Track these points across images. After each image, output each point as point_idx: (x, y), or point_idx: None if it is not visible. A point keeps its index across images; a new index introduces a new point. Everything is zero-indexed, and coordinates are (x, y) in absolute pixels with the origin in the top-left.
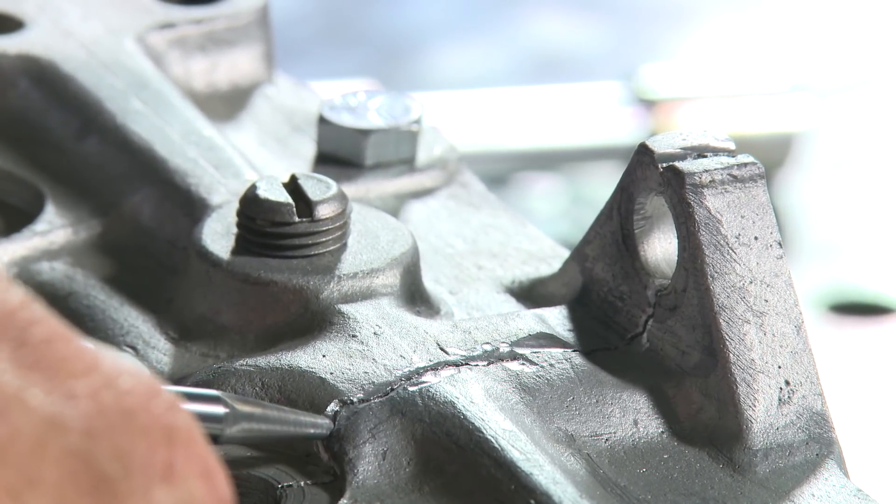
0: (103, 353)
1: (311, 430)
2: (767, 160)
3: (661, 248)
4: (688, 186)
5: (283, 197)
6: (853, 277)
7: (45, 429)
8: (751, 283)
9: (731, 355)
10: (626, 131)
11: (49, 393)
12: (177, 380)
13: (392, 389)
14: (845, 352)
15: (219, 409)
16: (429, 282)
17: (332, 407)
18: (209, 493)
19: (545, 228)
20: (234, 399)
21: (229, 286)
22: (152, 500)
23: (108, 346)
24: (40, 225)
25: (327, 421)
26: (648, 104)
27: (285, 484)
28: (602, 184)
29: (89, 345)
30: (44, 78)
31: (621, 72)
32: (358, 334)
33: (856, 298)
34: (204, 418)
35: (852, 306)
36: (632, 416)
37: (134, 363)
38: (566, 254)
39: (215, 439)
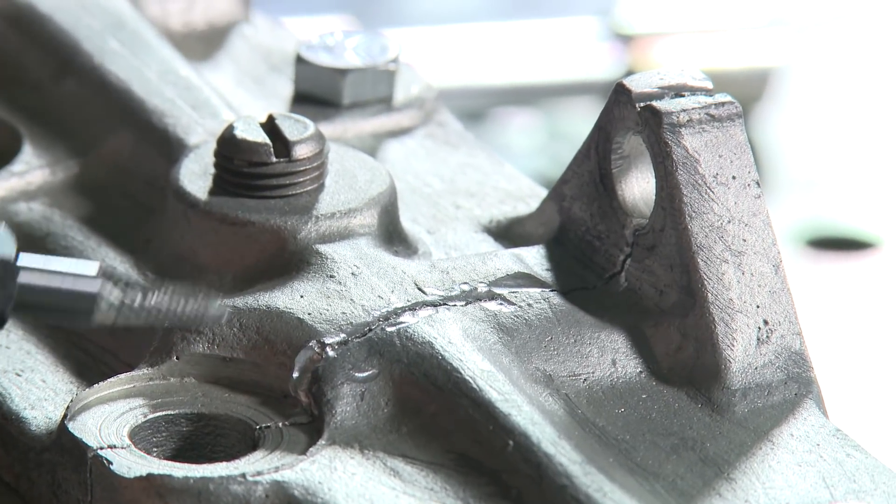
0: None
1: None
2: (744, 95)
3: (638, 187)
4: (665, 126)
5: (261, 137)
6: (830, 212)
7: None
8: (729, 222)
9: (709, 295)
10: (602, 66)
11: None
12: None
13: (370, 330)
14: (823, 287)
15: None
16: (406, 221)
17: (312, 346)
18: None
19: (523, 163)
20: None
21: (207, 226)
22: None
23: None
24: (18, 166)
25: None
26: (625, 39)
27: (263, 425)
28: (579, 119)
29: None
30: (21, 18)
31: (597, 7)
32: (336, 275)
33: (833, 233)
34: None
35: (830, 241)
36: (610, 356)
37: None
38: (544, 193)
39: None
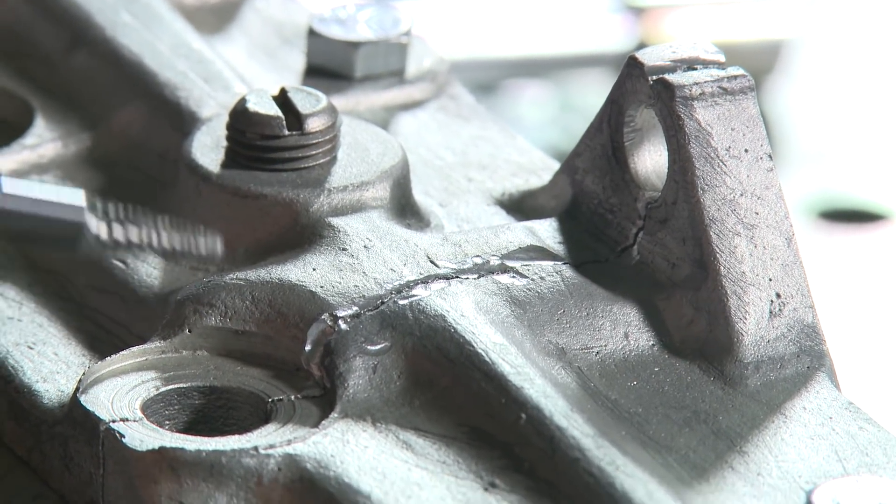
0: None
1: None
2: (756, 67)
3: (651, 160)
4: (678, 99)
5: (273, 110)
6: (843, 184)
7: None
8: (741, 195)
9: (721, 268)
10: (614, 38)
11: None
12: (166, 293)
13: (382, 303)
14: (835, 259)
15: None
16: (419, 194)
17: (324, 319)
18: None
19: (535, 135)
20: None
21: (219, 200)
22: None
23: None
24: (30, 139)
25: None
26: (637, 11)
27: (276, 398)
28: (591, 91)
29: None
30: None
31: None
32: (348, 247)
33: (845, 205)
34: None
35: (842, 213)
36: (622, 329)
37: None
38: (556, 166)
39: None
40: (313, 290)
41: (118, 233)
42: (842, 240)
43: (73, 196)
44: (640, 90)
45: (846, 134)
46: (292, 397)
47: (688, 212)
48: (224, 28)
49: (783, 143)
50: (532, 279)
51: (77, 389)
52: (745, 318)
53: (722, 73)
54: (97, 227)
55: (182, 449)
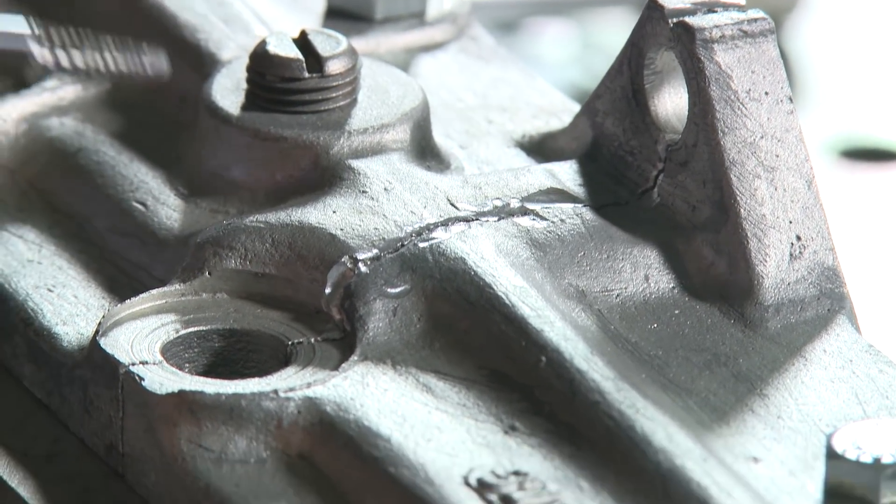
0: None
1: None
2: (776, 7)
3: (671, 103)
4: (698, 42)
5: (293, 52)
6: (864, 123)
7: None
8: (761, 138)
9: (741, 210)
10: None
11: None
12: (186, 236)
13: (402, 245)
14: (857, 199)
15: None
16: (439, 136)
17: (344, 262)
18: None
19: (556, 74)
20: None
21: (239, 142)
22: None
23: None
24: (50, 81)
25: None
26: None
27: (296, 341)
28: (613, 29)
29: None
30: None
31: None
32: (368, 190)
33: (867, 144)
34: None
35: (864, 152)
36: (643, 272)
37: None
38: (576, 108)
39: None
40: (333, 232)
41: (62, 58)
42: (863, 178)
43: (16, 24)
44: (661, 33)
45: (868, 72)
46: (312, 340)
47: (708, 154)
48: None
49: (804, 81)
50: (552, 221)
51: (97, 332)
52: (766, 261)
53: (742, 16)
54: (41, 54)
55: (202, 392)
